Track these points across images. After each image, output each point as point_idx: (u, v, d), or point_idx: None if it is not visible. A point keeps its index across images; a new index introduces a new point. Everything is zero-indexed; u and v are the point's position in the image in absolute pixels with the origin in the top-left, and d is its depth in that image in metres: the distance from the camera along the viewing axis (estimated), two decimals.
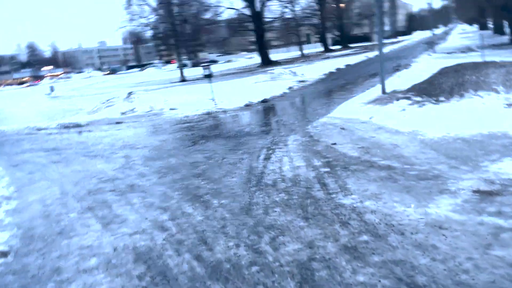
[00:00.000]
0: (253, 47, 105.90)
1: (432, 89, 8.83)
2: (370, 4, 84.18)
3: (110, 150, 9.72)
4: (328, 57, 44.67)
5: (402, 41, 65.86)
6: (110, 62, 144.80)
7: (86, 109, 18.73)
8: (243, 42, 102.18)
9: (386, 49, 45.61)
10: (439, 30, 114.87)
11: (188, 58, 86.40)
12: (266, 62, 47.36)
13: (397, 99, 9.26)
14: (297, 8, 59.21)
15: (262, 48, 48.69)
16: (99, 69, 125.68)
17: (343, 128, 8.61)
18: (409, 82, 12.82)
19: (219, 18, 56.70)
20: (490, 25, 71.67)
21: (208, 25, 61.83)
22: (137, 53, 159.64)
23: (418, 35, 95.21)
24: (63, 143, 11.71)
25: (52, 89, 35.66)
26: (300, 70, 24.83)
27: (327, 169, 6.00)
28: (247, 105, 14.63)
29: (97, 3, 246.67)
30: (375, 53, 40.25)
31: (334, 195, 4.89)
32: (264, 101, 15.14)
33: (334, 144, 7.42)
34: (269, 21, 54.98)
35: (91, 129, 13.71)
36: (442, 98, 8.45)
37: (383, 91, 11.15)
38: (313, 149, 7.28)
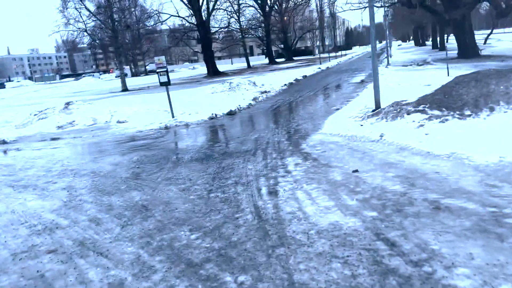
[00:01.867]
0: (195, 57, 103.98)
1: (452, 101, 7.38)
2: (312, 18, 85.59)
3: (45, 178, 7.35)
4: (275, 69, 43.50)
5: (345, 55, 66.68)
6: (42, 71, 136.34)
7: (14, 122, 15.79)
8: (185, 52, 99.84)
9: (334, 62, 45.51)
10: (377, 46, 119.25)
11: (128, 68, 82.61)
12: (213, 73, 45.42)
13: (408, 113, 7.73)
14: (243, 19, 58.15)
15: (209, 58, 46.67)
16: (30, 78, 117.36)
17: (352, 149, 6.91)
18: (394, 94, 11.51)
19: (163, 26, 54.38)
20: (427, 41, 74.90)
21: (150, 33, 59.04)
22: (72, 62, 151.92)
23: (357, 50, 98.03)
24: None
25: None
26: (257, 80, 23.12)
27: (375, 214, 4.21)
28: (211, 118, 12.65)
29: (29, 8, 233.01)
30: (326, 65, 39.81)
31: (427, 268, 3.08)
32: (230, 113, 13.23)
33: (356, 171, 5.66)
34: (215, 30, 53.37)
35: (20, 147, 11.07)
36: (467, 112, 7.01)
37: (377, 105, 9.65)
38: (331, 179, 5.48)
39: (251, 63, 63.59)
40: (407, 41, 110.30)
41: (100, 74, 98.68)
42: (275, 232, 4.03)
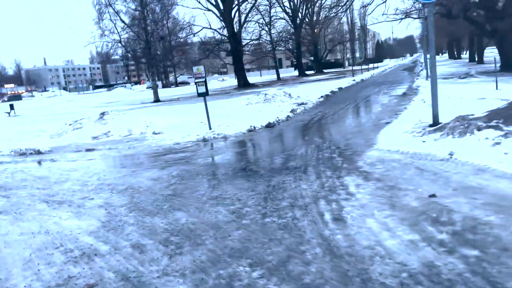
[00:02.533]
0: (224, 69, 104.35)
1: None
2: (342, 31, 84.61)
3: (81, 193, 6.87)
4: (306, 81, 42.71)
5: (377, 67, 65.35)
6: (76, 81, 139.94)
7: (49, 131, 15.63)
8: (214, 64, 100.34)
9: (367, 74, 44.37)
10: (408, 59, 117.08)
11: (158, 79, 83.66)
12: (243, 84, 45.14)
13: (479, 129, 6.91)
14: (273, 31, 57.83)
15: (239, 70, 46.45)
16: (65, 88, 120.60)
17: (419, 168, 6.14)
18: (448, 108, 10.63)
19: (194, 39, 54.72)
20: (463, 54, 72.74)
21: (182, 45, 59.37)
22: (104, 73, 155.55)
23: (389, 63, 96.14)
24: (15, 178, 8.72)
25: (11, 107, 31.91)
26: (292, 92, 22.46)
27: (476, 253, 3.45)
28: (250, 130, 12.05)
29: (65, 22, 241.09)
30: (360, 77, 38.78)
31: None
32: (269, 125, 12.60)
33: (433, 196, 4.90)
34: (246, 42, 53.23)
35: (54, 158, 10.74)
36: None
37: (435, 119, 8.83)
38: (406, 205, 4.73)
39: (281, 75, 63.21)
40: (440, 54, 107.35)
41: (132, 85, 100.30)
42: (357, 274, 3.32)
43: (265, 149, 9.52)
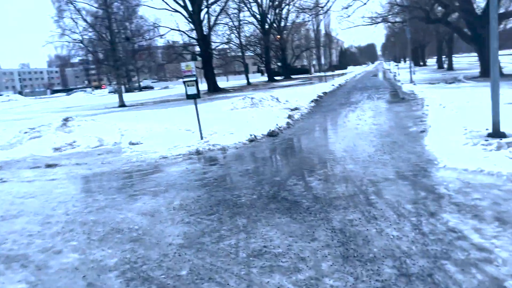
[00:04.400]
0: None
1: None
2: (309, 37, 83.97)
3: (42, 239, 4.59)
4: (277, 87, 40.81)
5: (345, 73, 64.70)
6: (33, 85, 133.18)
7: (0, 141, 12.94)
8: (179, 68, 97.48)
9: (340, 80, 43.05)
10: (371, 66, 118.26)
11: (121, 83, 79.77)
12: (213, 89, 42.97)
13: None
14: (242, 35, 56.11)
15: (209, 74, 44.14)
16: (20, 92, 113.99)
17: None
18: (483, 115, 8.90)
19: (161, 41, 52.25)
20: (427, 61, 73.33)
21: (145, 49, 56.44)
22: (63, 77, 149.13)
23: (354, 69, 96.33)
24: None
25: None
26: (280, 96, 20.49)
27: None
28: (251, 140, 9.98)
29: (21, 23, 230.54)
30: (334, 82, 37.22)
31: None
32: (272, 134, 10.60)
33: None
34: (216, 46, 51.29)
35: (4, 177, 8.29)
36: None
37: (496, 127, 7.09)
38: None
39: (252, 80, 61.39)
40: (400, 61, 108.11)
41: (93, 90, 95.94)
42: None
43: (285, 166, 7.45)
